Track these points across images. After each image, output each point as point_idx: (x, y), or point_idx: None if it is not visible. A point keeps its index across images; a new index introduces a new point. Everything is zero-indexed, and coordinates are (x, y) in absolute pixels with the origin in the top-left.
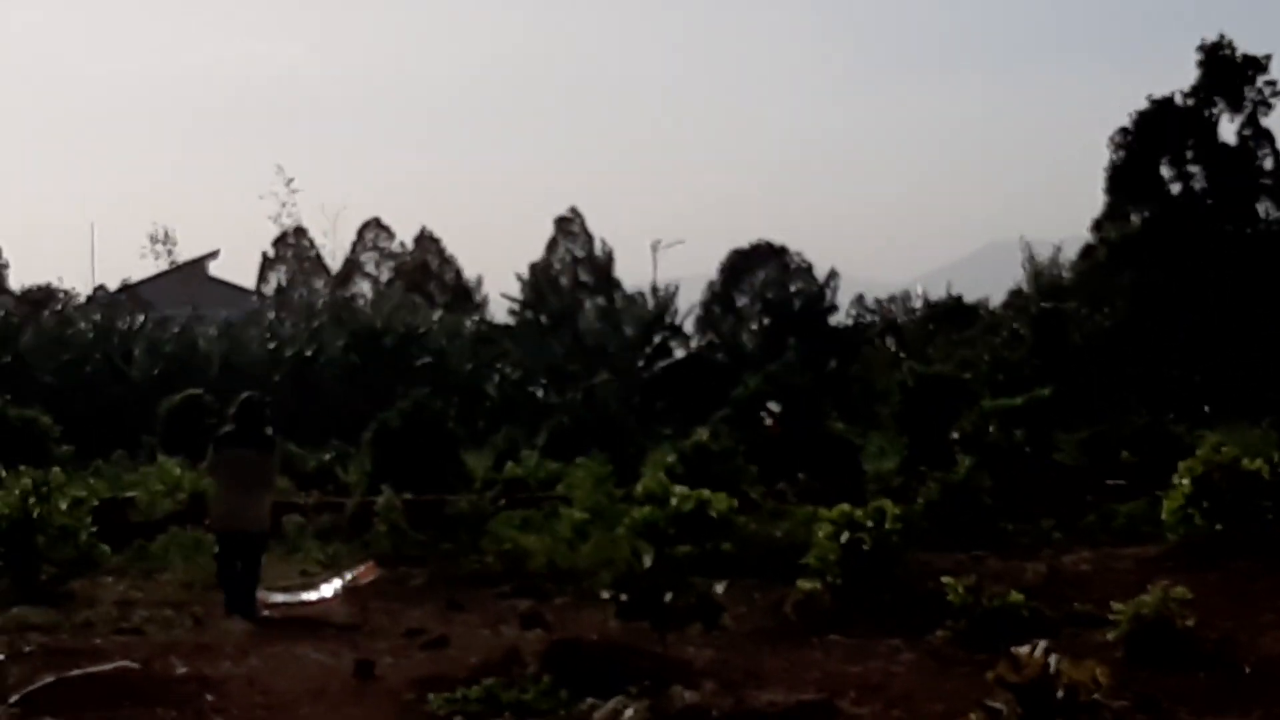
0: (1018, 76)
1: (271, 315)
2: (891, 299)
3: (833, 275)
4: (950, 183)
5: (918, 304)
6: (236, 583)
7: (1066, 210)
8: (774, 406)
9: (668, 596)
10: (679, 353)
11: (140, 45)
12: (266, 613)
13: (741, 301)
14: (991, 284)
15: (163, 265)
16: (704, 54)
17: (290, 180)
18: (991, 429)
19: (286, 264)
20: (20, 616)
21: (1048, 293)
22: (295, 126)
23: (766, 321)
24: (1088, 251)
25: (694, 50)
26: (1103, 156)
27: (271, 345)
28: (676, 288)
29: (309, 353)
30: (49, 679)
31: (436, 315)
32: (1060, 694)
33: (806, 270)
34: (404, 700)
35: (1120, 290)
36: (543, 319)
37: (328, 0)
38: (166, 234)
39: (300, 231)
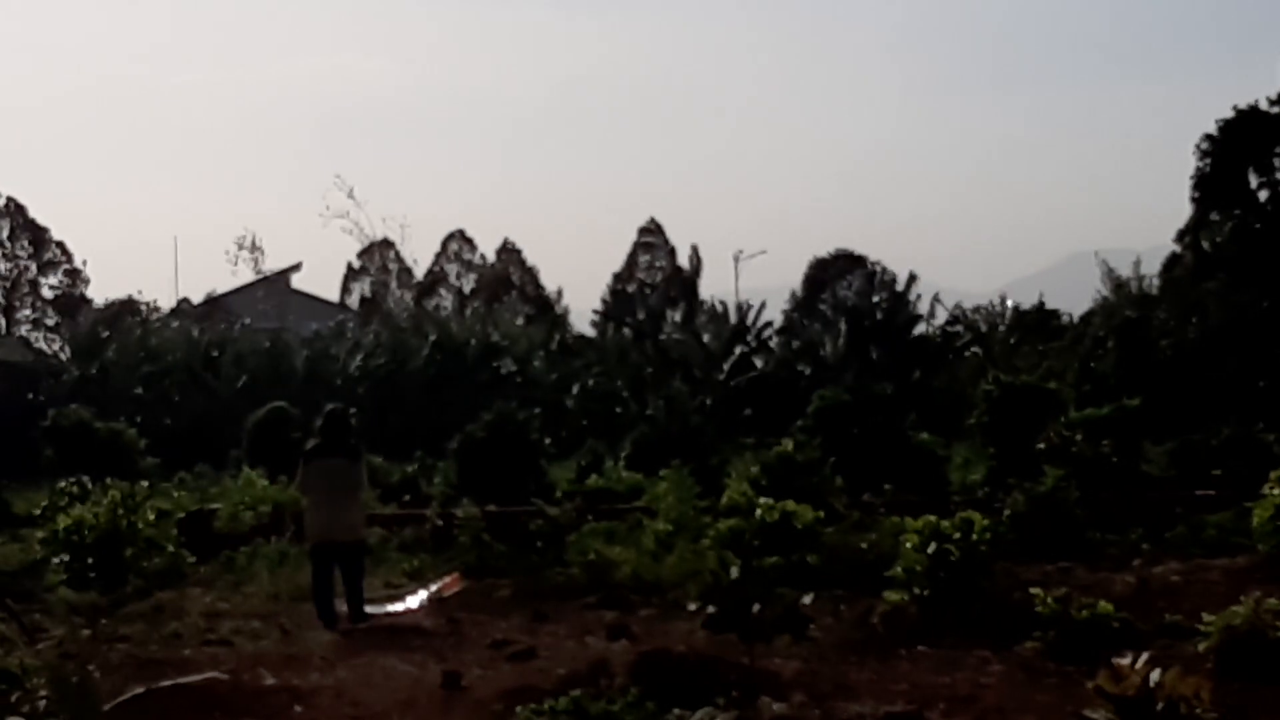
0: (1103, 87)
1: (355, 327)
2: (977, 309)
3: (912, 280)
4: (1034, 193)
5: (1005, 312)
6: (350, 593)
7: (1149, 221)
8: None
9: (755, 608)
10: (761, 363)
11: (223, 59)
12: (349, 624)
13: (823, 311)
14: (1075, 294)
15: (248, 272)
16: (786, 64)
17: (351, 190)
18: (1078, 439)
19: (371, 276)
20: (109, 628)
21: (1134, 302)
22: (379, 139)
23: (848, 331)
24: (1173, 260)
25: (777, 60)
26: (1187, 166)
27: (356, 357)
28: (761, 304)
29: (393, 365)
30: (139, 690)
31: (519, 324)
32: (1160, 706)
33: (888, 280)
34: (491, 711)
35: (1208, 299)
36: (625, 330)
37: (412, 16)
38: (254, 242)
39: (387, 244)
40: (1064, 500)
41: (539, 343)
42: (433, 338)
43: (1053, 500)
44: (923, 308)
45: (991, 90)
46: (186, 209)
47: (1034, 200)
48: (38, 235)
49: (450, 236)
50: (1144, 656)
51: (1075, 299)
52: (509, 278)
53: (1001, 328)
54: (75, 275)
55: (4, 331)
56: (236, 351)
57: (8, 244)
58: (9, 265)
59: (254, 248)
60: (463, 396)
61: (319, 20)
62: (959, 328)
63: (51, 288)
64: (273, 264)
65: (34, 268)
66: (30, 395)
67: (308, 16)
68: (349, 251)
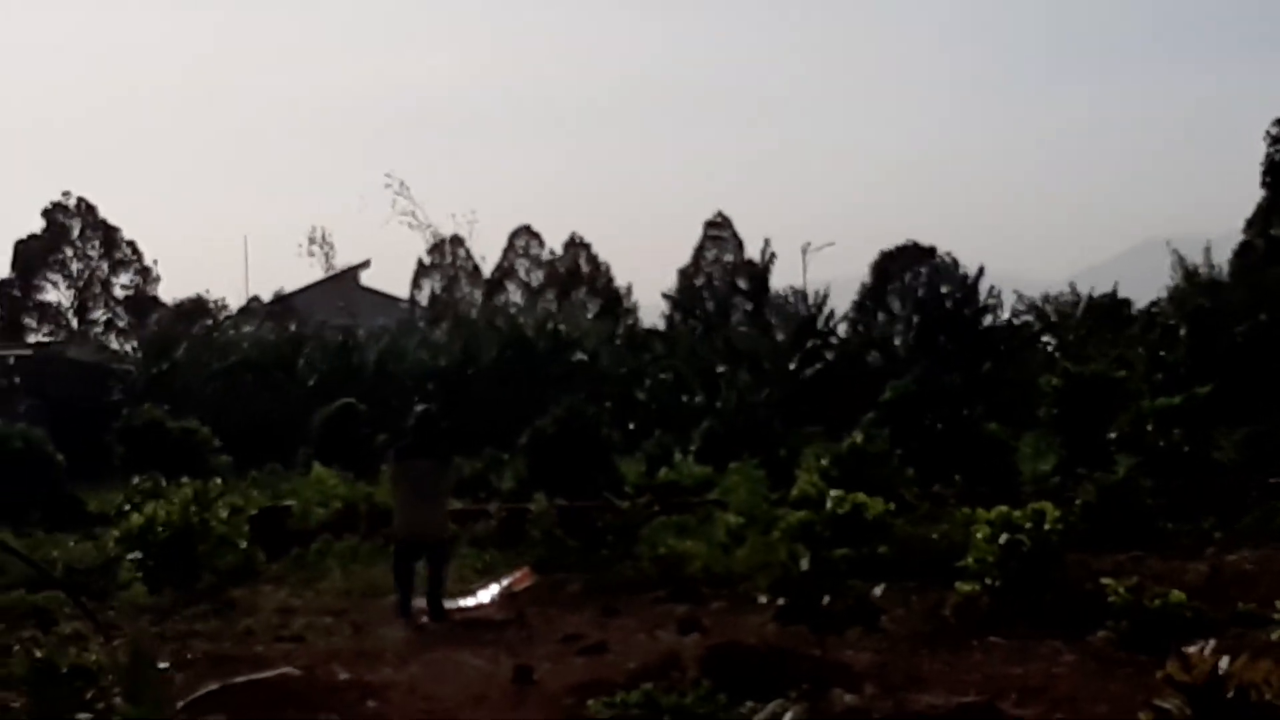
0: (1173, 71)
1: (425, 323)
2: (1046, 298)
3: (981, 274)
4: (1104, 181)
5: (1076, 301)
6: (431, 588)
7: (1221, 208)
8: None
9: (826, 599)
10: (830, 355)
11: (291, 59)
12: (424, 620)
13: (892, 303)
14: (1146, 283)
15: (319, 269)
16: (851, 55)
17: (401, 185)
18: (1150, 429)
19: (440, 273)
20: (184, 625)
21: (1205, 290)
22: (445, 137)
23: (917, 322)
24: (1245, 247)
25: (841, 51)
26: (1258, 153)
27: (425, 353)
28: (825, 294)
29: (463, 360)
30: (213, 686)
31: (589, 319)
32: (1230, 694)
33: (958, 271)
34: (563, 705)
35: (1279, 285)
36: (694, 324)
37: (474, 13)
38: (324, 237)
39: (456, 240)
40: (1136, 489)
41: (608, 336)
42: (504, 332)
43: (1124, 490)
44: (999, 297)
45: (1067, 75)
46: (255, 209)
47: (1105, 188)
48: (109, 235)
49: (517, 232)
50: (1211, 644)
51: (1146, 287)
52: (578, 271)
53: (1073, 317)
54: (146, 275)
55: (77, 332)
56: (306, 349)
57: (79, 244)
58: (81, 266)
59: (324, 242)
60: (533, 391)
61: (382, 20)
62: (1028, 318)
63: (123, 288)
64: (341, 261)
65: (105, 268)
66: (102, 395)
67: (371, 17)
68: (417, 250)
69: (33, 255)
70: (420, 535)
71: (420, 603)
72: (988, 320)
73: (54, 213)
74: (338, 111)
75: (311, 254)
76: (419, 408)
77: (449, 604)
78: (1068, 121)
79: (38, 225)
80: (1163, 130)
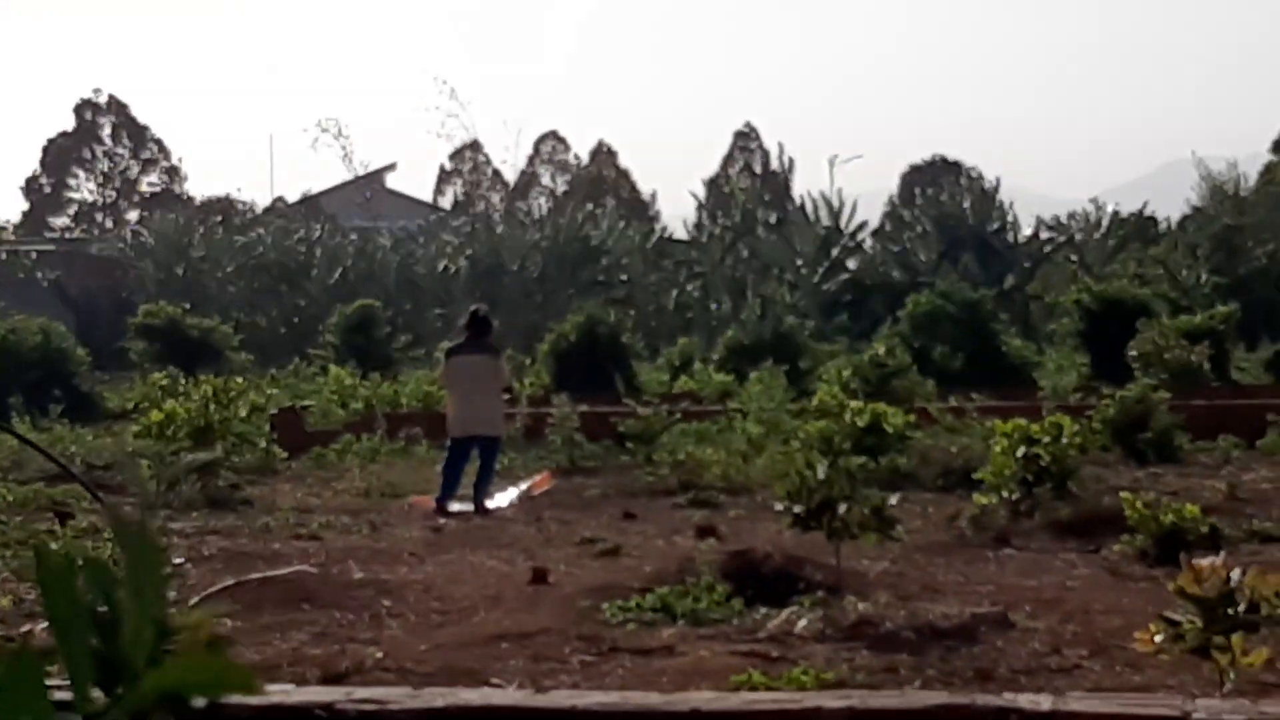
0: None
1: (450, 227)
2: (1072, 215)
3: (998, 185)
4: (1133, 100)
5: (1100, 219)
6: (480, 481)
7: (1248, 129)
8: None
9: (842, 508)
10: (854, 267)
11: None
12: (442, 520)
13: (916, 218)
14: (1170, 203)
15: (334, 158)
16: None
17: (453, 92)
18: (1171, 346)
19: (463, 177)
20: (200, 521)
21: (1228, 208)
22: (473, 39)
23: (940, 236)
24: (1269, 169)
25: None
26: None
27: (449, 257)
28: (854, 203)
29: (490, 263)
30: (228, 581)
31: (615, 228)
32: (1242, 607)
33: (983, 185)
34: (578, 607)
35: None
36: (720, 233)
37: None
38: (339, 129)
39: (477, 145)
40: (1155, 406)
41: (636, 245)
42: (535, 237)
43: (1143, 406)
44: (1017, 216)
45: None
46: (284, 108)
47: (1131, 107)
48: (138, 133)
49: (544, 137)
50: (1222, 556)
51: (1171, 207)
52: (604, 178)
53: (1097, 235)
54: (174, 174)
55: (101, 228)
56: (328, 249)
57: (109, 141)
58: (109, 163)
59: (339, 134)
60: (558, 297)
61: None
62: (1053, 234)
63: (149, 185)
64: (369, 159)
65: (134, 165)
66: (124, 291)
67: None
68: (442, 154)
69: (62, 151)
70: (474, 430)
71: (432, 500)
72: (1010, 236)
73: (84, 109)
74: (366, 10)
75: (321, 145)
76: (471, 307)
77: (464, 506)
78: (1101, 39)
79: (69, 123)
80: (1193, 52)
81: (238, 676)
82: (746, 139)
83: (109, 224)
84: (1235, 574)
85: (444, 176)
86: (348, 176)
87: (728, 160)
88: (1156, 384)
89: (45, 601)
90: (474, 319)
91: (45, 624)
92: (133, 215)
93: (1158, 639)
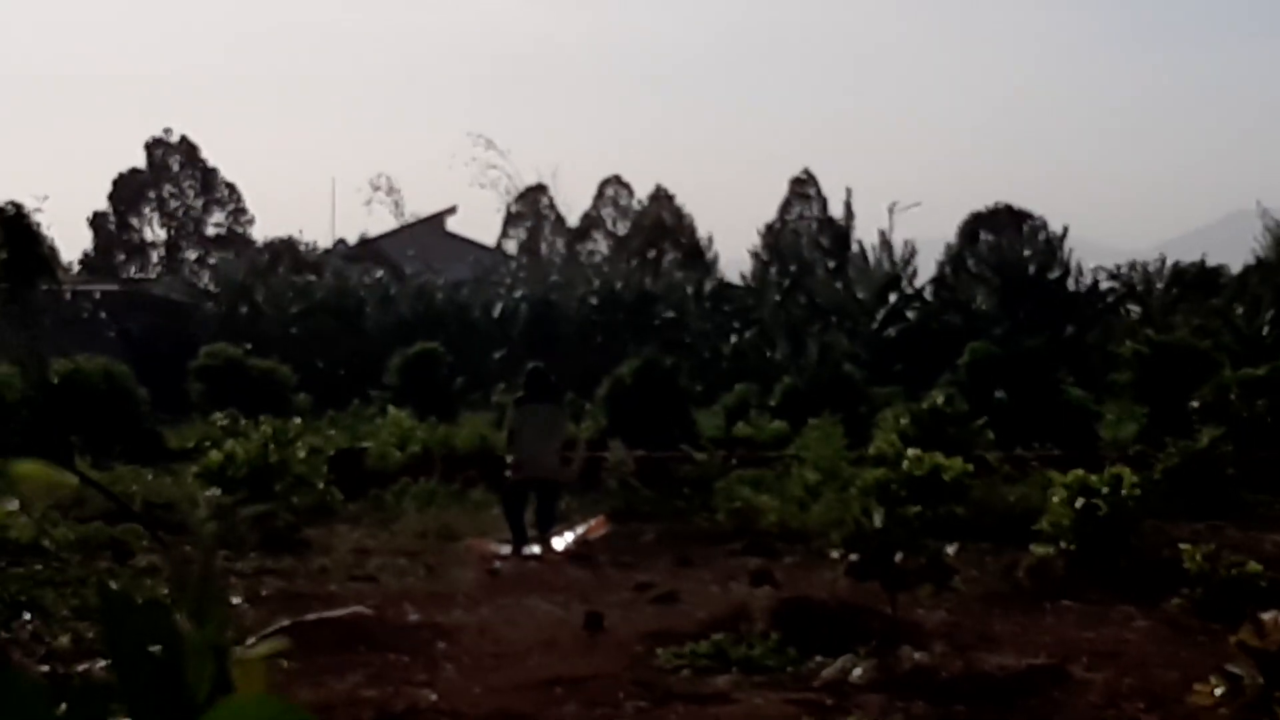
0: (1273, 42)
1: (508, 270)
2: (1133, 265)
3: (1064, 234)
4: (1196, 149)
5: (1161, 268)
6: (541, 527)
7: None
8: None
9: (898, 557)
10: (913, 315)
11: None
12: (498, 565)
13: (976, 267)
14: (1234, 253)
15: (386, 213)
16: (942, 11)
17: (489, 143)
18: (1233, 398)
19: (527, 222)
20: (258, 561)
21: None
22: (538, 86)
23: (1000, 284)
24: None
25: (931, 7)
26: None
27: (508, 301)
28: (913, 252)
29: (545, 308)
30: (285, 622)
31: (675, 273)
32: None
33: (1045, 235)
34: (633, 653)
35: None
36: (777, 278)
37: None
38: (390, 184)
39: (540, 189)
40: (1217, 458)
41: (694, 291)
42: (595, 283)
43: (1206, 458)
44: (1081, 263)
45: (1158, 41)
46: (347, 154)
47: (1196, 157)
48: (207, 175)
49: (607, 181)
50: None
51: (1234, 258)
52: (663, 223)
53: (1159, 285)
54: (239, 215)
55: (166, 268)
56: (387, 292)
57: (178, 182)
58: (177, 203)
59: (390, 190)
60: (616, 342)
61: None
62: (1114, 284)
63: (215, 225)
64: (424, 208)
65: (200, 206)
66: (186, 333)
67: None
68: (497, 201)
69: (131, 189)
70: (538, 475)
71: (493, 546)
72: (1070, 285)
73: (155, 148)
74: (430, 60)
75: (375, 202)
76: (529, 365)
77: (556, 542)
78: (1161, 90)
79: (139, 160)
80: (1258, 100)
81: (295, 716)
82: (803, 184)
83: (173, 263)
84: None
85: (510, 219)
86: (394, 222)
87: (785, 206)
88: (1219, 436)
89: (106, 639)
90: (532, 375)
91: (105, 662)
92: (192, 254)
93: (1217, 693)
